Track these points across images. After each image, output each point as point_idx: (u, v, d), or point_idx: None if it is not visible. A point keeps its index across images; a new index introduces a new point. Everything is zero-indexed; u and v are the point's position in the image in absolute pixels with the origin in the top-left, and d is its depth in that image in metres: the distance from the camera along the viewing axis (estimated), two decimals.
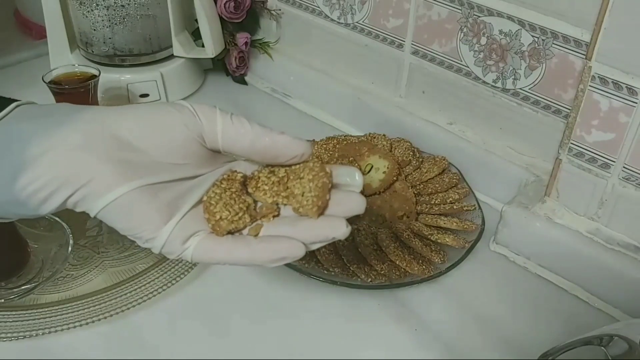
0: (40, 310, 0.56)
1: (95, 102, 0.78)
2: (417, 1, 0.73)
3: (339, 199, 0.41)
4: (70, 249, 0.60)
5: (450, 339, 0.57)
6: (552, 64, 0.64)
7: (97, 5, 0.83)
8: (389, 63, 0.80)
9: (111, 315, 0.56)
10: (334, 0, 0.83)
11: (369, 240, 0.63)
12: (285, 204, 0.42)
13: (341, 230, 0.40)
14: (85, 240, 0.64)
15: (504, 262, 0.66)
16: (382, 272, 0.61)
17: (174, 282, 0.59)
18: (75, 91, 0.76)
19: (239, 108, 0.90)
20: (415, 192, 0.71)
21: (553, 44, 0.63)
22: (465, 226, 0.65)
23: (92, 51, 0.88)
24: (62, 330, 0.54)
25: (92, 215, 0.38)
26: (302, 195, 0.40)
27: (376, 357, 0.55)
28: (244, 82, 0.96)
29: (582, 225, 0.62)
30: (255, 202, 0.43)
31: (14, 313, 0.55)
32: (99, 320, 0.55)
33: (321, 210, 0.40)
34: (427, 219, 0.67)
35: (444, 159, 0.74)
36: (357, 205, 0.41)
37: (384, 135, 0.76)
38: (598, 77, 0.56)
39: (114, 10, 0.84)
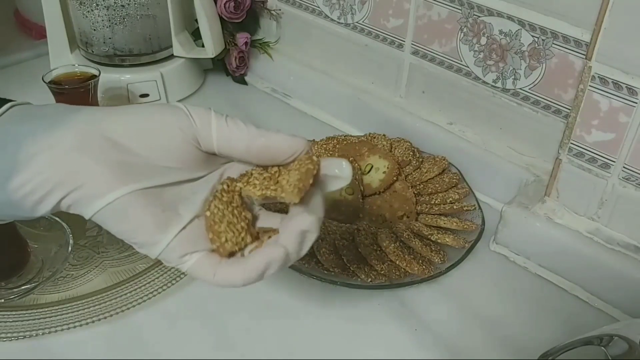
0: (40, 310, 0.56)
1: (95, 102, 0.78)
2: (417, 1, 0.73)
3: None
4: (70, 249, 0.60)
5: (450, 339, 0.57)
6: (552, 64, 0.64)
7: (97, 5, 0.83)
8: (389, 63, 0.80)
9: (111, 315, 0.56)
10: (334, 0, 0.83)
11: (369, 240, 0.63)
12: (273, 196, 0.40)
13: (307, 221, 0.39)
14: (85, 240, 0.64)
15: (504, 262, 0.66)
16: (382, 272, 0.61)
17: (174, 282, 0.59)
18: (75, 91, 0.76)
19: (239, 108, 0.90)
20: (415, 192, 0.71)
21: (553, 44, 0.63)
22: (465, 226, 0.65)
23: (92, 51, 0.88)
24: (62, 330, 0.54)
25: (86, 217, 0.38)
26: (287, 183, 0.39)
27: (376, 357, 0.55)
28: (244, 82, 0.96)
29: (582, 225, 0.62)
30: (254, 217, 0.42)
31: (14, 313, 0.55)
32: (99, 320, 0.55)
33: (302, 194, 0.38)
34: (427, 219, 0.67)
35: (444, 159, 0.74)
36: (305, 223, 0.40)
37: (384, 135, 0.76)
38: (598, 77, 0.56)
39: (114, 10, 0.84)
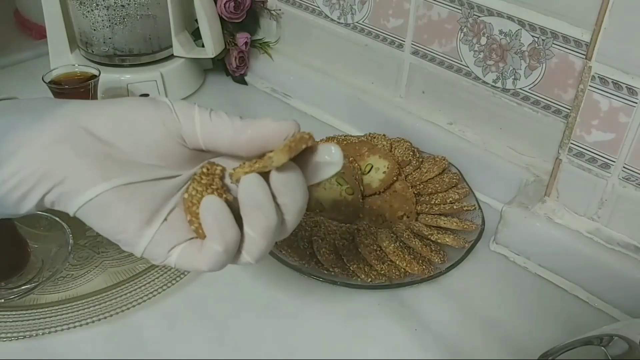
0: (40, 310, 0.56)
1: None
2: (417, 1, 0.73)
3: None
4: (70, 249, 0.60)
5: (450, 339, 0.57)
6: (552, 64, 0.64)
7: (97, 5, 0.83)
8: (389, 63, 0.80)
9: (111, 315, 0.56)
10: (334, 0, 0.83)
11: (369, 240, 0.63)
12: (261, 167, 0.37)
13: (291, 167, 0.37)
14: (85, 240, 0.64)
15: (504, 262, 0.66)
16: (382, 272, 0.61)
17: (174, 282, 0.59)
18: (75, 91, 0.76)
19: (239, 108, 0.90)
20: (415, 192, 0.71)
21: (553, 44, 0.63)
22: (465, 226, 0.65)
23: (92, 51, 0.88)
24: (62, 330, 0.54)
25: (71, 214, 0.37)
26: (270, 151, 0.37)
27: (376, 357, 0.55)
28: (244, 82, 0.96)
29: (582, 225, 0.62)
30: (235, 200, 0.40)
31: (14, 313, 0.55)
32: (99, 320, 0.55)
33: (291, 153, 0.36)
34: (427, 219, 0.67)
35: (444, 159, 0.74)
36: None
37: (384, 135, 0.76)
38: (598, 77, 0.56)
39: (114, 10, 0.84)
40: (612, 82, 0.55)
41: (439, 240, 0.64)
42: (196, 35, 0.90)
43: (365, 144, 0.74)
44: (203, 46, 0.89)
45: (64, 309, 0.56)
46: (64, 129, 0.37)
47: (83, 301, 0.56)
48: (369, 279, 0.60)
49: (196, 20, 0.87)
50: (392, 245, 0.62)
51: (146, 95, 0.87)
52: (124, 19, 0.85)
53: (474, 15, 0.68)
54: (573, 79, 0.63)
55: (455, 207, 0.69)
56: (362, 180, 0.70)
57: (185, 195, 0.39)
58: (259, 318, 0.59)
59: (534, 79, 0.66)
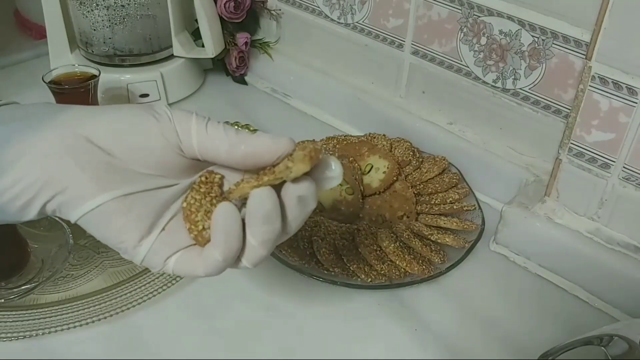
0: (40, 310, 0.56)
1: (95, 102, 0.78)
2: (417, 1, 0.73)
3: None
4: (70, 249, 0.60)
5: (450, 339, 0.57)
6: (552, 64, 0.64)
7: (97, 5, 0.83)
8: (389, 63, 0.80)
9: (111, 315, 0.56)
10: (334, 0, 0.83)
11: (369, 240, 0.63)
12: (275, 178, 0.37)
13: (304, 186, 0.37)
14: (85, 240, 0.64)
15: (504, 262, 0.66)
16: (382, 272, 0.61)
17: (174, 282, 0.59)
18: (75, 91, 0.76)
19: (239, 108, 0.90)
20: (415, 192, 0.71)
21: (553, 44, 0.63)
22: (465, 226, 0.65)
23: (92, 51, 0.88)
24: (62, 330, 0.54)
25: (72, 222, 0.37)
26: (287, 159, 0.37)
27: (376, 357, 0.55)
28: (244, 82, 0.96)
29: (582, 225, 0.62)
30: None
31: (14, 313, 0.55)
32: (99, 320, 0.55)
33: (312, 163, 0.36)
34: (427, 219, 0.67)
35: (444, 159, 0.74)
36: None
37: (384, 135, 0.76)
38: (598, 77, 0.56)
39: (114, 10, 0.84)
40: (612, 82, 0.55)
41: (439, 240, 0.64)
42: (196, 35, 0.90)
43: (365, 144, 0.74)
44: (203, 46, 0.89)
45: (64, 309, 0.56)
46: (64, 138, 0.37)
47: (83, 301, 0.56)
48: (369, 279, 0.60)
49: (196, 20, 0.87)
50: (392, 245, 0.62)
51: (146, 95, 0.87)
52: (124, 19, 0.85)
53: (474, 15, 0.68)
54: (573, 79, 0.63)
55: (455, 207, 0.69)
56: (362, 180, 0.70)
57: (184, 204, 0.40)
58: (259, 318, 0.59)
59: (534, 79, 0.66)
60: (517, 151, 0.71)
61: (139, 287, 0.58)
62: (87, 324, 0.55)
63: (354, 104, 0.84)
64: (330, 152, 0.74)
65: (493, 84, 0.70)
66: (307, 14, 0.87)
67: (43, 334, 0.54)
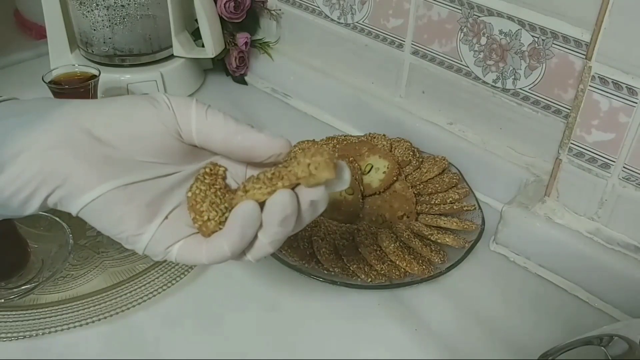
0: (40, 310, 0.56)
1: None
2: (417, 1, 0.73)
3: None
4: (70, 249, 0.60)
5: (450, 339, 0.57)
6: (552, 64, 0.64)
7: (97, 5, 0.83)
8: (389, 63, 0.80)
9: (111, 315, 0.56)
10: (334, 0, 0.83)
11: (369, 240, 0.63)
12: (292, 183, 0.37)
13: (319, 191, 0.37)
14: (85, 240, 0.64)
15: (504, 262, 0.66)
16: (382, 272, 0.61)
17: (174, 282, 0.59)
18: (75, 91, 0.76)
19: (239, 108, 0.90)
20: (415, 192, 0.71)
21: (553, 44, 0.63)
22: (465, 226, 0.65)
23: (92, 51, 0.88)
24: (62, 330, 0.54)
25: (73, 214, 0.38)
26: (309, 166, 0.37)
27: (376, 357, 0.55)
28: (244, 82, 0.96)
29: (582, 225, 0.62)
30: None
31: (14, 313, 0.55)
32: (99, 320, 0.55)
33: (336, 168, 0.36)
34: (427, 219, 0.67)
35: (444, 159, 0.74)
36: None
37: (384, 135, 0.76)
38: (598, 77, 0.56)
39: (114, 10, 0.84)
40: (612, 82, 0.55)
41: (439, 240, 0.64)
42: (196, 35, 0.90)
43: (365, 144, 0.74)
44: (203, 46, 0.89)
45: (64, 309, 0.56)
46: (64, 131, 0.37)
47: (83, 301, 0.56)
48: (369, 279, 0.60)
49: (196, 20, 0.87)
50: (392, 245, 0.62)
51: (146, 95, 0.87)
52: (124, 19, 0.85)
53: (474, 15, 0.68)
54: (573, 79, 0.63)
55: (455, 207, 0.69)
56: (362, 180, 0.70)
57: (189, 194, 0.40)
58: (259, 318, 0.59)
59: (534, 79, 0.66)
60: (517, 151, 0.71)
61: (139, 287, 0.58)
62: (87, 324, 0.55)
63: (354, 104, 0.84)
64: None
65: (493, 84, 0.70)
66: (307, 14, 0.87)
67: (43, 334, 0.54)
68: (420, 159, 0.74)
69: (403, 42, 0.77)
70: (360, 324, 0.59)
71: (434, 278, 0.61)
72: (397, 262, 0.61)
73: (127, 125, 0.38)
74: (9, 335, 0.54)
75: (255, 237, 0.39)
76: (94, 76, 0.77)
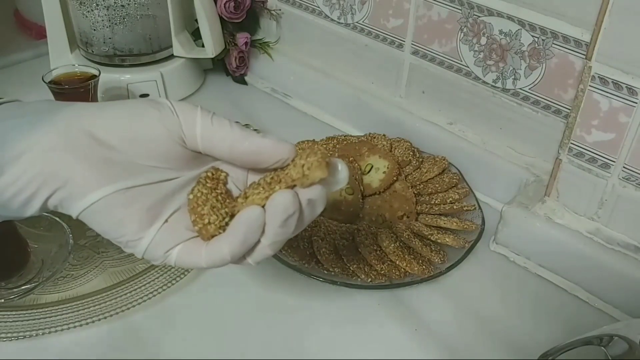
0: (40, 310, 0.56)
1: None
2: (417, 1, 0.73)
3: None
4: (70, 249, 0.60)
5: (450, 339, 0.57)
6: (552, 64, 0.64)
7: (97, 5, 0.83)
8: (389, 63, 0.80)
9: (111, 315, 0.56)
10: (334, 0, 0.83)
11: (369, 240, 0.63)
12: (283, 188, 0.38)
13: (316, 189, 0.38)
14: (85, 240, 0.64)
15: (504, 262, 0.66)
16: (382, 272, 0.61)
17: (173, 282, 0.59)
18: (75, 91, 0.76)
19: (239, 108, 0.90)
20: (415, 192, 0.71)
21: (553, 44, 0.63)
22: (465, 226, 0.65)
23: (92, 51, 0.88)
24: (62, 330, 0.54)
25: (73, 217, 0.37)
26: (302, 167, 0.37)
27: (376, 357, 0.55)
28: (244, 82, 0.96)
29: (582, 225, 0.62)
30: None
31: (14, 313, 0.55)
32: (99, 320, 0.55)
33: (328, 167, 0.37)
34: (427, 219, 0.67)
35: (444, 159, 0.74)
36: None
37: (384, 135, 0.76)
38: (598, 77, 0.56)
39: (114, 10, 0.84)
40: (612, 82, 0.55)
41: (439, 240, 0.64)
42: (196, 35, 0.90)
43: (365, 144, 0.74)
44: (203, 46, 0.89)
45: (64, 309, 0.56)
46: (65, 133, 0.37)
47: (83, 301, 0.56)
48: (369, 279, 0.60)
49: (196, 20, 0.87)
50: (392, 245, 0.62)
51: (146, 95, 0.87)
52: (124, 19, 0.85)
53: (474, 15, 0.68)
54: (573, 79, 0.63)
55: (455, 207, 0.69)
56: (362, 180, 0.70)
57: (190, 196, 0.40)
58: (259, 318, 0.59)
59: (534, 79, 0.66)
60: (517, 151, 0.71)
61: (139, 287, 0.58)
62: (87, 324, 0.55)
63: (354, 104, 0.84)
64: (330, 153, 0.74)
65: (493, 84, 0.70)
66: (307, 14, 0.87)
67: (43, 334, 0.54)
68: (420, 159, 0.74)
69: (403, 42, 0.77)
70: (360, 324, 0.59)
71: (434, 278, 0.61)
72: (397, 262, 0.61)
73: (129, 128, 0.38)
74: (9, 335, 0.54)
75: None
76: (94, 76, 0.77)
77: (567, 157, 0.61)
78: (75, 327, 0.55)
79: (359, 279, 0.60)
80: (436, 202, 0.70)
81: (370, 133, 0.78)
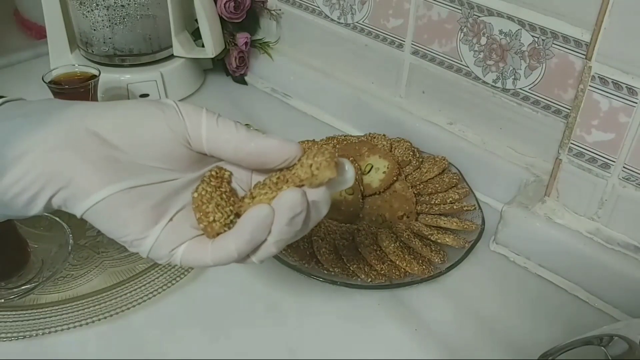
0: (40, 310, 0.56)
1: None
2: (417, 1, 0.73)
3: None
4: (70, 249, 0.60)
5: (450, 339, 0.57)
6: (552, 64, 0.64)
7: (97, 5, 0.83)
8: (389, 63, 0.80)
9: (111, 315, 0.56)
10: (334, 0, 0.83)
11: (369, 240, 0.63)
12: (296, 184, 0.38)
13: (320, 191, 0.37)
14: (85, 240, 0.64)
15: (504, 262, 0.66)
16: (382, 272, 0.61)
17: (174, 282, 0.59)
18: (75, 91, 0.76)
19: (239, 108, 0.90)
20: (415, 192, 0.71)
21: (553, 44, 0.63)
22: (465, 226, 0.65)
23: (92, 51, 0.88)
24: (62, 330, 0.54)
25: (77, 216, 0.37)
26: (311, 167, 0.37)
27: (376, 357, 0.55)
28: (244, 82, 0.96)
29: (582, 225, 0.62)
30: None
31: (14, 313, 0.55)
32: (99, 320, 0.55)
33: (338, 167, 0.37)
34: (427, 219, 0.67)
35: (444, 159, 0.74)
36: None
37: (384, 135, 0.76)
38: (598, 77, 0.56)
39: (114, 10, 0.84)
40: (612, 82, 0.55)
41: (439, 240, 0.64)
42: (196, 35, 0.90)
43: (365, 144, 0.74)
44: (203, 46, 0.89)
45: (64, 309, 0.56)
46: (70, 132, 0.37)
47: (83, 301, 0.56)
48: (369, 279, 0.60)
49: (196, 20, 0.87)
50: (392, 245, 0.62)
51: (146, 95, 0.87)
52: (124, 19, 0.85)
53: (474, 15, 0.68)
54: (573, 79, 0.63)
55: (455, 207, 0.69)
56: (362, 180, 0.70)
57: (195, 195, 0.40)
58: (259, 318, 0.59)
59: (534, 79, 0.66)
60: (517, 151, 0.71)
61: (139, 287, 0.58)
62: (87, 324, 0.55)
63: (354, 104, 0.84)
64: None
65: (493, 84, 0.70)
66: (307, 14, 0.87)
67: (43, 334, 0.54)
68: (420, 159, 0.74)
69: (403, 42, 0.77)
70: (360, 324, 0.59)
71: (434, 278, 0.61)
72: (397, 262, 0.61)
73: (134, 129, 0.38)
74: (9, 335, 0.54)
75: None
76: (94, 76, 0.77)
77: (567, 157, 0.61)
78: (75, 327, 0.55)
79: (359, 279, 0.60)
80: (436, 202, 0.70)
81: (370, 133, 0.78)
